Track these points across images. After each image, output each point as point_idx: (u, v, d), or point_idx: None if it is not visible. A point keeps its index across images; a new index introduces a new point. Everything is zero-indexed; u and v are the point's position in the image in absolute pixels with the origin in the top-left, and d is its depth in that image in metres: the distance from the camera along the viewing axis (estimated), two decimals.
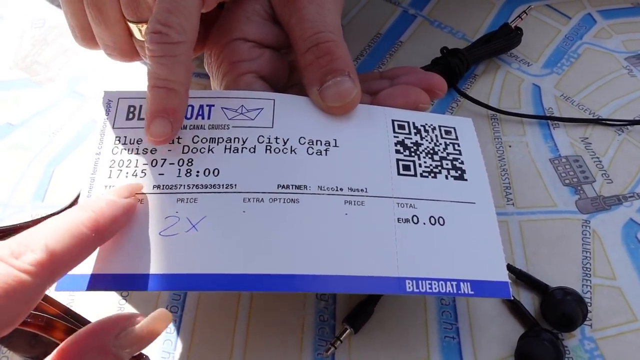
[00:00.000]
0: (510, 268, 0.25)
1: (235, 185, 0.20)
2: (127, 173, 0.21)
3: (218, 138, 0.21)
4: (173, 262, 0.19)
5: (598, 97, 0.32)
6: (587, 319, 0.24)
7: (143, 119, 0.22)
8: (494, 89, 0.33)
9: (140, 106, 0.22)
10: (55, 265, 0.17)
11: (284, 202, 0.20)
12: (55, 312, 0.21)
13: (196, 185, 0.20)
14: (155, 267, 0.19)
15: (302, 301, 0.25)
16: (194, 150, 0.21)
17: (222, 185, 0.20)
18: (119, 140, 0.21)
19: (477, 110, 0.32)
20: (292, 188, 0.20)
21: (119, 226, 0.19)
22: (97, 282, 0.19)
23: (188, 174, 0.21)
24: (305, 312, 0.25)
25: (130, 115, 0.22)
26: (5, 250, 0.17)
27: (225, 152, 0.21)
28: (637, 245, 0.26)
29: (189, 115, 0.22)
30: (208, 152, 0.21)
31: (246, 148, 0.21)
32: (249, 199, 0.20)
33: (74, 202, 0.27)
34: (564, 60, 0.34)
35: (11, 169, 0.30)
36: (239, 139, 0.21)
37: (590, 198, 0.28)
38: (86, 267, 0.19)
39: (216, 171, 0.21)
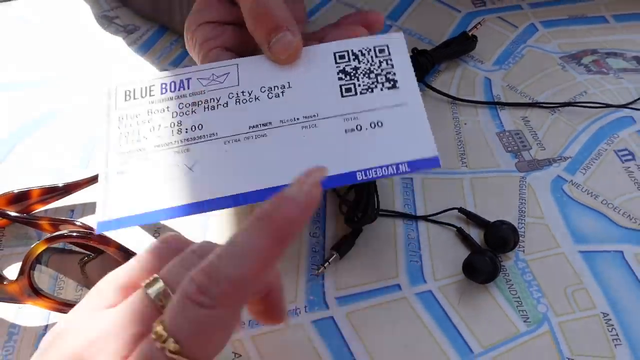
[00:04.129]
0: (461, 210, 0.33)
1: (216, 133, 0.27)
2: (132, 140, 0.27)
3: (198, 101, 0.28)
4: (178, 196, 0.25)
5: (537, 87, 0.40)
6: (520, 246, 0.31)
7: (137, 98, 0.28)
8: (453, 82, 0.40)
9: (134, 89, 0.29)
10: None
11: (255, 138, 0.26)
12: None
13: (186, 139, 0.27)
14: (166, 202, 0.25)
15: (298, 239, 0.32)
16: (181, 114, 0.28)
17: (206, 135, 0.27)
18: (121, 118, 0.28)
19: (440, 98, 0.39)
20: (260, 126, 0.27)
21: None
22: (124, 222, 0.25)
23: (179, 132, 0.27)
24: (300, 245, 0.32)
25: (127, 97, 0.29)
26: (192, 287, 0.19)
27: (204, 111, 0.27)
28: (562, 194, 0.34)
29: (172, 89, 0.28)
30: (192, 114, 0.27)
31: (220, 104, 0.28)
32: (228, 141, 0.27)
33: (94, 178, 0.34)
34: (510, 59, 0.42)
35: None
36: (213, 99, 0.28)
37: (527, 161, 0.35)
38: (113, 212, 0.25)
39: (200, 126, 0.27)
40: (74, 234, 0.28)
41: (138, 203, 0.26)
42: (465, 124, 0.38)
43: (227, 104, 0.28)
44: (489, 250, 0.30)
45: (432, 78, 0.41)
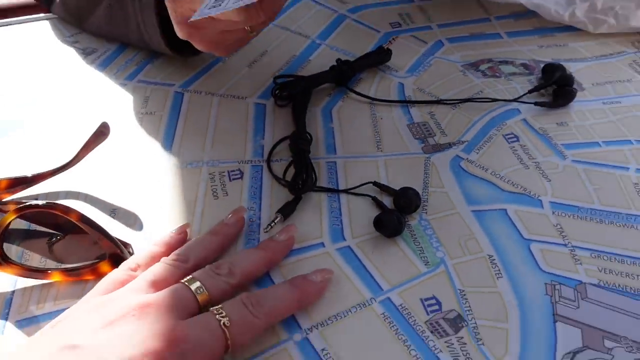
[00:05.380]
0: (375, 183, 0.39)
1: None
2: None
3: None
4: None
5: (441, 88, 0.47)
6: (424, 209, 0.37)
7: None
8: (372, 87, 0.47)
9: None
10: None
11: None
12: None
13: None
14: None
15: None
16: None
17: None
18: None
19: (361, 99, 0.46)
20: None
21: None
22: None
23: None
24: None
25: None
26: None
27: None
28: (459, 169, 0.40)
29: None
30: None
31: None
32: None
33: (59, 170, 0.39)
34: (420, 68, 0.49)
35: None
36: None
37: (431, 145, 0.42)
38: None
39: None
40: (40, 203, 0.33)
41: None
42: (382, 118, 0.44)
43: None
44: (395, 211, 0.36)
45: (354, 84, 0.47)
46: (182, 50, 0.47)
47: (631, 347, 0.31)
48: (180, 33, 0.38)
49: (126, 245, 0.35)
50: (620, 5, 0.49)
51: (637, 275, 0.34)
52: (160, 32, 0.45)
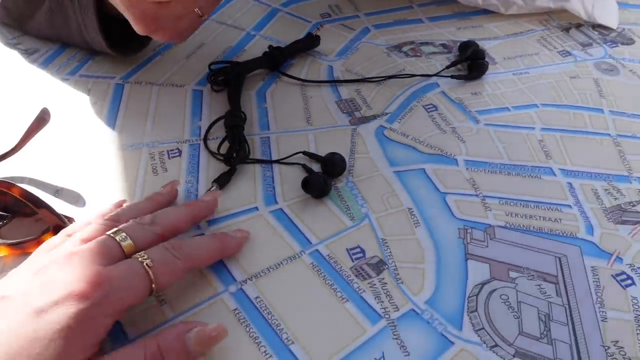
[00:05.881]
0: (305, 152, 0.42)
1: None
2: None
3: None
4: None
5: (367, 69, 0.50)
6: (350, 172, 0.41)
7: None
8: (303, 70, 0.50)
9: None
10: None
11: None
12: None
13: None
14: None
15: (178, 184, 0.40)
16: None
17: None
18: None
19: (292, 82, 0.49)
20: None
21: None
22: None
23: None
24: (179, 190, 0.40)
25: None
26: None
27: None
28: (382, 137, 0.44)
29: None
30: None
31: None
32: None
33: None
34: (348, 52, 0.53)
35: None
36: None
37: (357, 118, 0.45)
38: None
39: None
40: None
41: None
42: (312, 97, 0.47)
43: None
44: (322, 174, 0.39)
45: (286, 68, 0.51)
46: (123, 49, 0.49)
47: (532, 275, 0.34)
48: (140, 30, 0.40)
49: (69, 219, 0.37)
50: None
51: (538, 216, 0.38)
52: (101, 33, 0.47)
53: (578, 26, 0.55)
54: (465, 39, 0.53)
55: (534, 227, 0.37)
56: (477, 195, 0.39)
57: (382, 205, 0.38)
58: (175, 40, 0.44)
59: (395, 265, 0.35)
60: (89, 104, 0.47)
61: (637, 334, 0.32)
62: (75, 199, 0.39)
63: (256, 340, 0.31)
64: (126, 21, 0.41)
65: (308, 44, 0.52)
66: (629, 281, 0.34)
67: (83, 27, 0.48)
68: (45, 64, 0.51)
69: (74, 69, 0.50)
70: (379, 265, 0.35)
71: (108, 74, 0.50)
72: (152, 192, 0.38)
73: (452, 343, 0.31)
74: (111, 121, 0.45)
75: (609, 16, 0.54)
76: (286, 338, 0.31)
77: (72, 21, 0.49)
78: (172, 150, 0.43)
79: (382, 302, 0.33)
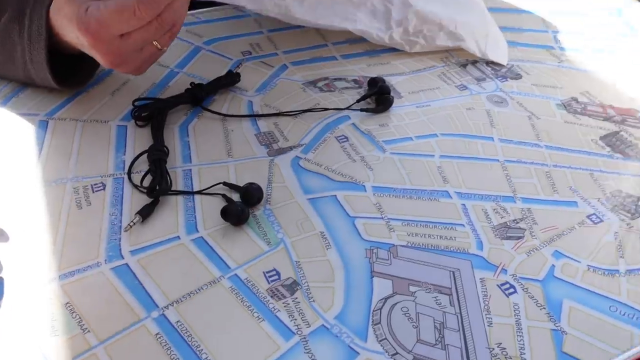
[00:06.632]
0: (225, 183, 0.44)
1: None
2: None
3: None
4: None
5: (285, 103, 0.54)
6: (268, 201, 0.44)
7: None
8: (225, 105, 0.54)
9: None
10: None
11: None
12: None
13: None
14: None
15: (100, 217, 0.42)
16: None
17: None
18: None
19: (214, 117, 0.52)
20: None
21: None
22: None
23: None
24: (101, 222, 0.41)
25: None
26: None
27: None
28: (297, 167, 0.47)
29: None
30: None
31: None
32: None
33: None
34: (267, 88, 0.56)
35: None
36: None
37: (275, 149, 0.49)
38: None
39: None
40: None
41: None
42: (232, 130, 0.51)
43: None
44: (241, 203, 0.42)
45: (208, 104, 0.53)
46: (66, 82, 0.51)
47: (430, 288, 0.38)
48: (106, 64, 0.45)
49: None
50: (427, 29, 0.60)
51: (436, 235, 0.42)
52: (49, 68, 0.48)
53: (474, 62, 0.61)
54: (374, 75, 0.58)
55: (432, 245, 0.41)
56: (382, 218, 0.43)
57: (297, 230, 0.42)
58: (135, 73, 0.48)
59: (308, 285, 0.38)
60: (13, 140, 0.48)
61: (517, 335, 0.36)
62: None
63: None
64: (74, 56, 0.46)
65: (229, 81, 0.55)
66: (512, 290, 0.39)
67: (29, 60, 0.49)
68: None
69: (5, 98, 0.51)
70: (293, 286, 0.38)
71: (32, 111, 0.51)
72: (79, 228, 0.40)
73: (358, 353, 0.35)
74: (35, 157, 0.46)
75: (500, 54, 0.61)
76: (205, 358, 0.34)
77: (18, 54, 0.49)
78: (96, 184, 0.44)
79: (295, 319, 0.36)
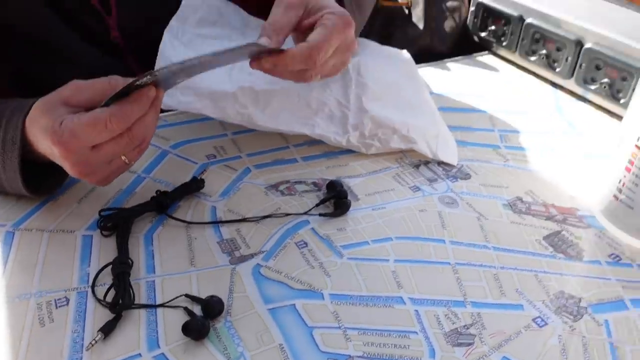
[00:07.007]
0: (187, 295, 0.46)
1: None
2: None
3: None
4: None
5: (248, 208, 0.57)
6: (229, 312, 0.45)
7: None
8: (189, 211, 0.56)
9: None
10: None
11: None
12: None
13: None
14: None
15: (62, 334, 0.42)
16: None
17: None
18: None
19: (178, 224, 0.54)
20: None
21: None
22: None
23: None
24: (64, 340, 0.42)
25: None
26: None
27: None
28: (258, 275, 0.49)
29: None
30: None
31: None
32: None
33: None
34: (231, 192, 0.59)
35: None
36: None
37: (237, 257, 0.51)
38: None
39: None
40: None
41: None
42: (196, 238, 0.53)
43: None
44: (202, 316, 0.44)
45: (174, 210, 0.56)
46: (37, 190, 0.53)
47: None
48: (75, 174, 0.48)
49: None
50: (382, 132, 0.64)
51: (390, 344, 0.44)
52: (21, 177, 0.50)
53: (426, 163, 0.65)
54: (333, 177, 0.61)
55: (386, 355, 0.43)
56: (339, 328, 0.45)
57: (257, 343, 0.43)
58: (101, 184, 0.51)
59: None
60: None
61: None
62: None
63: None
64: (44, 164, 0.49)
65: (193, 187, 0.58)
66: None
67: (1, 169, 0.51)
68: None
69: None
70: None
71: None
72: (42, 348, 0.40)
73: None
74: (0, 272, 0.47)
75: (450, 154, 0.65)
76: None
77: None
78: (60, 299, 0.45)
79: None
